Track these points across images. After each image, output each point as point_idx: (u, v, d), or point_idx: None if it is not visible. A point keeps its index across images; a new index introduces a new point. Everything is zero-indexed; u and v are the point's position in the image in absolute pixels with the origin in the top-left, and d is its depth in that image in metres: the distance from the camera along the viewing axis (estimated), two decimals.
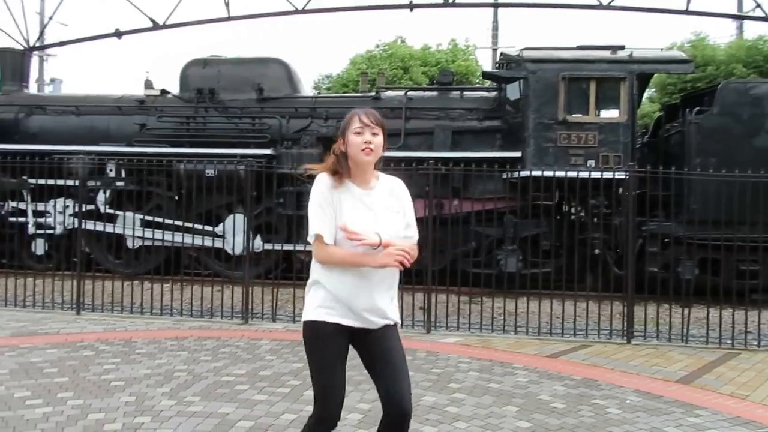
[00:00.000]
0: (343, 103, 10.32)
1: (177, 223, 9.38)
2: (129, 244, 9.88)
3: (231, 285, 7.52)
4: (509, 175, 8.86)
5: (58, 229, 10.11)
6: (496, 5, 16.75)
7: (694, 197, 8.06)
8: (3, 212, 10.24)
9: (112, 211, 10.10)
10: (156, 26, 13.76)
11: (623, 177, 6.95)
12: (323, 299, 2.41)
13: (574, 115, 9.18)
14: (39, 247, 10.38)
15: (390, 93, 10.51)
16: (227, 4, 13.54)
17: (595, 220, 8.81)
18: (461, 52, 19.88)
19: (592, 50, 9.48)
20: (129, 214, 9.87)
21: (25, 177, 9.60)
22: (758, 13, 13.16)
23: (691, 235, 7.60)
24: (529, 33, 46.47)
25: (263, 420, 3.70)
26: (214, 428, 3.55)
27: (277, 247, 9.22)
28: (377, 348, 2.46)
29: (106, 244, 10.01)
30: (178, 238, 9.04)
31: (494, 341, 6.21)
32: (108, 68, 47.48)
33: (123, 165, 9.62)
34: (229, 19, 13.63)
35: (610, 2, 12.29)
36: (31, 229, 10.35)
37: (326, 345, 2.42)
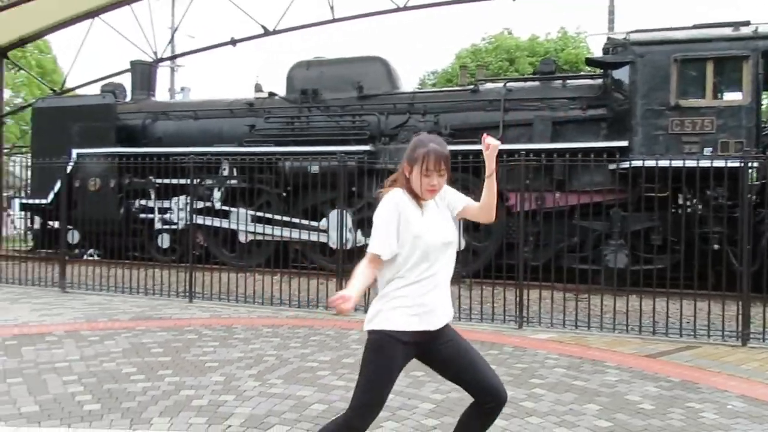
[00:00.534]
0: (441, 98, 10.32)
1: (284, 218, 9.85)
2: (241, 238, 10.54)
3: (326, 277, 7.78)
4: (616, 166, 8.39)
5: (180, 225, 10.97)
6: None
7: None
8: (133, 209, 11.29)
9: (226, 208, 10.80)
10: (267, 32, 14.49)
11: (738, 165, 6.33)
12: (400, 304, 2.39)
13: (688, 100, 8.52)
14: (163, 240, 11.33)
15: (489, 85, 10.34)
16: (332, 7, 13.97)
17: (711, 212, 8.11)
18: (571, 40, 19.04)
19: (709, 28, 8.74)
20: (241, 210, 10.50)
21: (151, 177, 10.54)
22: None
23: None
24: (652, 17, 43.42)
25: (337, 404, 3.80)
26: (290, 409, 3.71)
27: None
28: (449, 350, 2.48)
29: (221, 239, 10.72)
30: (284, 233, 9.47)
31: (590, 339, 5.94)
32: (227, 73, 50.69)
33: (234, 164, 10.27)
34: (334, 21, 14.04)
35: None
36: (157, 225, 11.32)
37: (391, 356, 2.37)
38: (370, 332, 2.38)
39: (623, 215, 8.56)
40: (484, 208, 2.55)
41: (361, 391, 2.37)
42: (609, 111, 9.31)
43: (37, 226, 12.41)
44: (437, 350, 2.47)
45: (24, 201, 11.94)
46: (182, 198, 10.68)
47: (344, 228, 7.61)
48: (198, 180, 9.32)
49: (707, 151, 8.25)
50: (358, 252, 9.34)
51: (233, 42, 14.95)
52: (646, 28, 9.04)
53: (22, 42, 16.52)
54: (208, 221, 10.54)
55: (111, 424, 3.39)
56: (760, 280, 6.17)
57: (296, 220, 9.79)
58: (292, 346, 5.34)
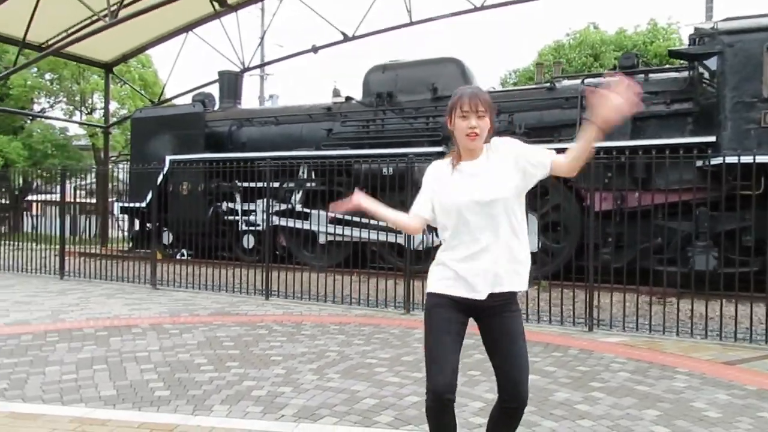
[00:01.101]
0: (516, 97, 10.16)
1: (361, 220, 10.05)
2: (320, 239, 10.87)
3: (394, 277, 7.88)
4: (704, 163, 7.94)
5: (262, 226, 11.45)
6: None
7: None
8: (220, 212, 11.93)
9: (306, 210, 11.17)
10: (346, 38, 14.88)
11: None
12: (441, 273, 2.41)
13: None
14: (247, 241, 11.88)
15: (566, 82, 10.07)
16: (409, 11, 14.11)
17: None
18: (662, 32, 18.07)
19: None
20: (320, 212, 10.82)
21: (236, 181, 11.08)
22: None
23: None
24: (756, 5, 40.19)
25: (388, 399, 3.89)
26: (342, 402, 3.83)
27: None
28: (495, 327, 2.38)
29: (302, 240, 11.10)
30: (361, 233, 9.66)
31: (665, 344, 5.67)
32: (315, 80, 52.19)
33: (312, 167, 10.60)
34: (411, 24, 14.20)
35: None
36: (241, 226, 11.89)
37: (436, 317, 2.40)
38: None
39: (711, 215, 8.08)
40: (571, 157, 2.28)
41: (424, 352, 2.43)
42: (695, 105, 8.81)
43: (135, 227, 13.38)
44: (485, 322, 2.40)
45: (122, 204, 12.92)
46: (264, 201, 11.17)
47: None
48: (277, 183, 9.70)
49: None
50: (431, 253, 9.44)
51: (314, 49, 15.46)
52: (736, 16, 8.48)
53: (124, 58, 17.90)
54: (289, 223, 10.93)
55: (176, 410, 3.65)
56: None
57: (372, 221, 9.96)
58: (355, 343, 5.48)
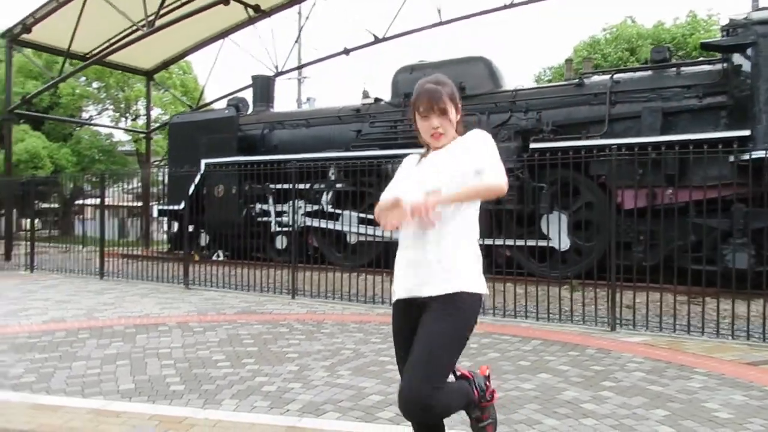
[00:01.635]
0: (544, 94, 10.06)
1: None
2: (350, 239, 11.00)
3: None
4: (738, 157, 7.69)
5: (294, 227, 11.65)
6: None
7: None
8: (253, 213, 12.18)
9: (336, 211, 11.31)
10: (377, 40, 14.97)
11: None
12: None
13: None
14: (280, 242, 12.10)
15: (595, 78, 9.89)
16: (439, 10, 14.11)
17: None
18: (701, 24, 17.49)
19: None
20: (349, 212, 10.94)
21: (268, 183, 11.31)
22: None
23: None
24: None
25: (394, 396, 3.92)
26: (348, 398, 3.89)
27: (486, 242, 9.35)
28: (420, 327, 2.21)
29: (332, 240, 11.25)
30: (387, 234, 9.75)
31: (688, 344, 5.53)
32: (349, 82, 52.55)
33: (341, 168, 10.73)
34: (441, 23, 14.18)
35: None
36: (274, 227, 12.12)
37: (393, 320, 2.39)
38: None
39: (746, 211, 7.82)
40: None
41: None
42: (729, 98, 8.53)
43: (174, 229, 13.79)
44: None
45: (160, 207, 13.35)
46: (296, 202, 11.38)
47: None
48: (306, 185, 9.85)
49: None
50: None
51: (346, 51, 15.61)
52: None
53: (164, 65, 18.44)
54: (319, 223, 11.09)
55: (187, 403, 3.79)
56: None
57: None
58: (372, 342, 5.55)
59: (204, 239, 13.17)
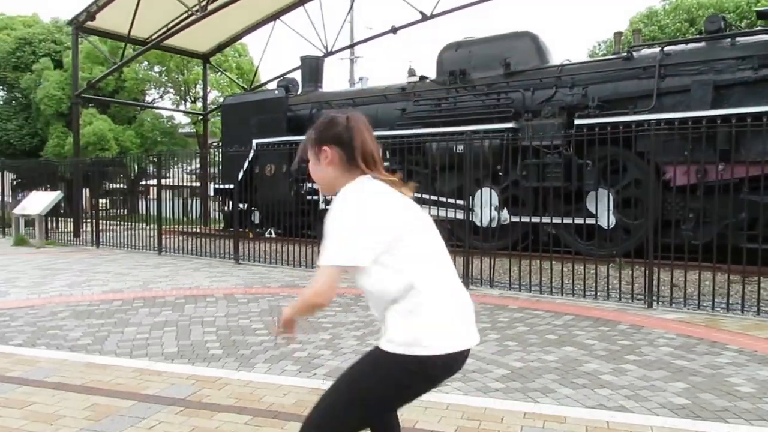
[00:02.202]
0: (590, 69, 9.83)
1: (432, 198, 10.24)
2: None
3: (453, 254, 7.99)
4: None
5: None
6: None
7: None
8: (302, 191, 12.50)
9: None
10: (424, 17, 14.92)
11: None
12: None
13: None
14: None
15: (645, 51, 9.58)
16: None
17: None
18: None
19: None
20: None
21: None
22: None
23: None
24: None
25: None
26: None
27: (524, 219, 9.32)
28: None
29: None
30: (433, 212, 9.83)
31: (725, 321, 5.44)
32: (399, 62, 52.23)
33: (386, 147, 10.85)
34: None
35: None
36: (321, 206, 12.41)
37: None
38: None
39: None
40: None
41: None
42: None
43: (228, 208, 14.32)
44: None
45: (216, 186, 13.88)
46: None
47: (468, 205, 7.74)
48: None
49: None
50: (501, 230, 9.45)
51: (394, 30, 15.62)
52: None
53: (219, 48, 18.95)
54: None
55: (224, 365, 4.08)
56: None
57: (443, 199, 10.10)
58: None
59: (257, 217, 13.62)
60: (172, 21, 16.02)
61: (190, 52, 18.81)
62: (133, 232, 12.04)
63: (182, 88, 27.65)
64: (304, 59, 14.59)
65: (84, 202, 15.81)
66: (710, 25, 9.07)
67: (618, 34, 10.46)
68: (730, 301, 5.84)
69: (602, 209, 8.51)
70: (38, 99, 23.82)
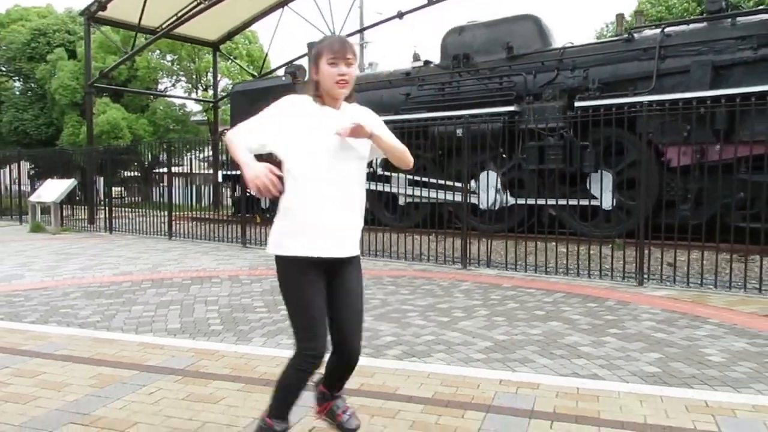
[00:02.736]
0: (592, 51, 9.87)
1: (436, 181, 10.41)
2: (400, 201, 11.35)
3: (452, 236, 8.17)
4: None
5: None
6: None
7: None
8: None
9: (386, 174, 11.64)
10: (430, 2, 14.94)
11: None
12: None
13: None
14: None
15: (646, 32, 9.60)
16: None
17: None
18: None
19: None
20: (399, 175, 11.26)
21: None
22: None
23: None
24: None
25: (406, 338, 4.30)
26: (365, 339, 4.29)
27: (530, 201, 9.43)
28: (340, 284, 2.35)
29: (382, 202, 11.64)
30: (436, 195, 10.03)
31: (712, 297, 5.58)
32: (409, 47, 51.96)
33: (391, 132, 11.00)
34: None
35: None
36: None
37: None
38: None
39: None
40: (390, 157, 2.41)
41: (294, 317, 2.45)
42: None
43: (237, 194, 14.58)
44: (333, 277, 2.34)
45: (224, 173, 14.14)
46: None
47: (467, 186, 7.90)
48: None
49: None
50: (504, 213, 9.60)
51: (400, 15, 15.66)
52: None
53: (229, 36, 19.14)
54: (369, 185, 11.47)
55: (222, 340, 4.31)
56: None
57: (447, 183, 10.26)
58: (401, 293, 5.92)
59: (265, 202, 13.86)
60: (182, 9, 16.21)
61: (200, 40, 19.02)
62: (144, 218, 12.35)
63: (194, 76, 27.92)
64: (310, 46, 14.72)
65: (99, 189, 16.17)
66: (711, 5, 9.07)
67: (620, 16, 10.47)
68: (720, 279, 5.97)
69: (602, 190, 8.64)
70: (53, 89, 24.20)
